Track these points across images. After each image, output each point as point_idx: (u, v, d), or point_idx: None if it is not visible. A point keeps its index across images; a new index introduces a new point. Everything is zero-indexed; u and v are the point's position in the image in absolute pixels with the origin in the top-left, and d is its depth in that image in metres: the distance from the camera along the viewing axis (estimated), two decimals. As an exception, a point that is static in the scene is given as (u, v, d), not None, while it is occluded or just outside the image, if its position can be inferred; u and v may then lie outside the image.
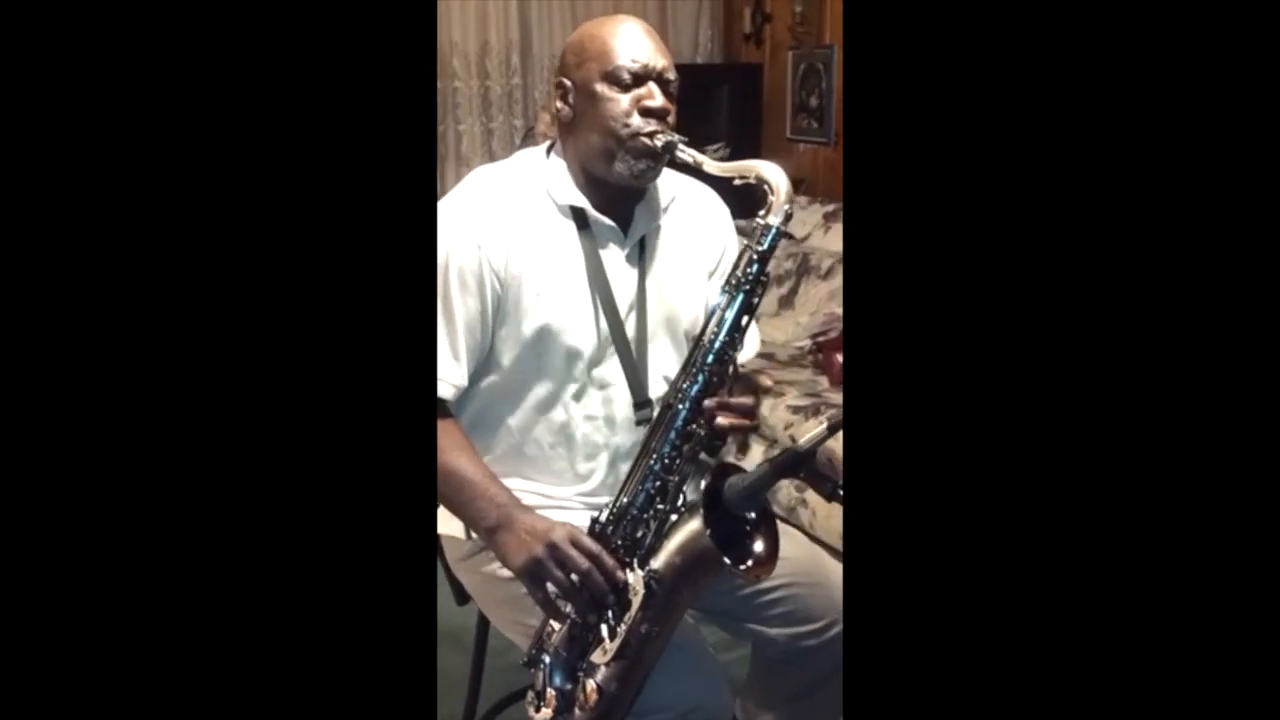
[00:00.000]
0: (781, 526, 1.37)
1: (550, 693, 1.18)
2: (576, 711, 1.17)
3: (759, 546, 1.13)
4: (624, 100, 1.22)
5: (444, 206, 1.29)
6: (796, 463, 1.05)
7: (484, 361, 1.31)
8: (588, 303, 1.28)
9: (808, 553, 1.38)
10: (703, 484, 1.15)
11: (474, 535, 1.31)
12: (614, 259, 1.30)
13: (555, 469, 1.34)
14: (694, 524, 1.11)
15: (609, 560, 1.14)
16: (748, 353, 1.44)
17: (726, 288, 1.18)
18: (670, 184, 1.36)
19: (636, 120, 1.22)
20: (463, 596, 1.50)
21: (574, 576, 1.14)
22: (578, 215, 1.29)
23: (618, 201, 1.30)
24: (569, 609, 1.17)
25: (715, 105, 3.95)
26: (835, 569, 1.35)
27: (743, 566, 1.12)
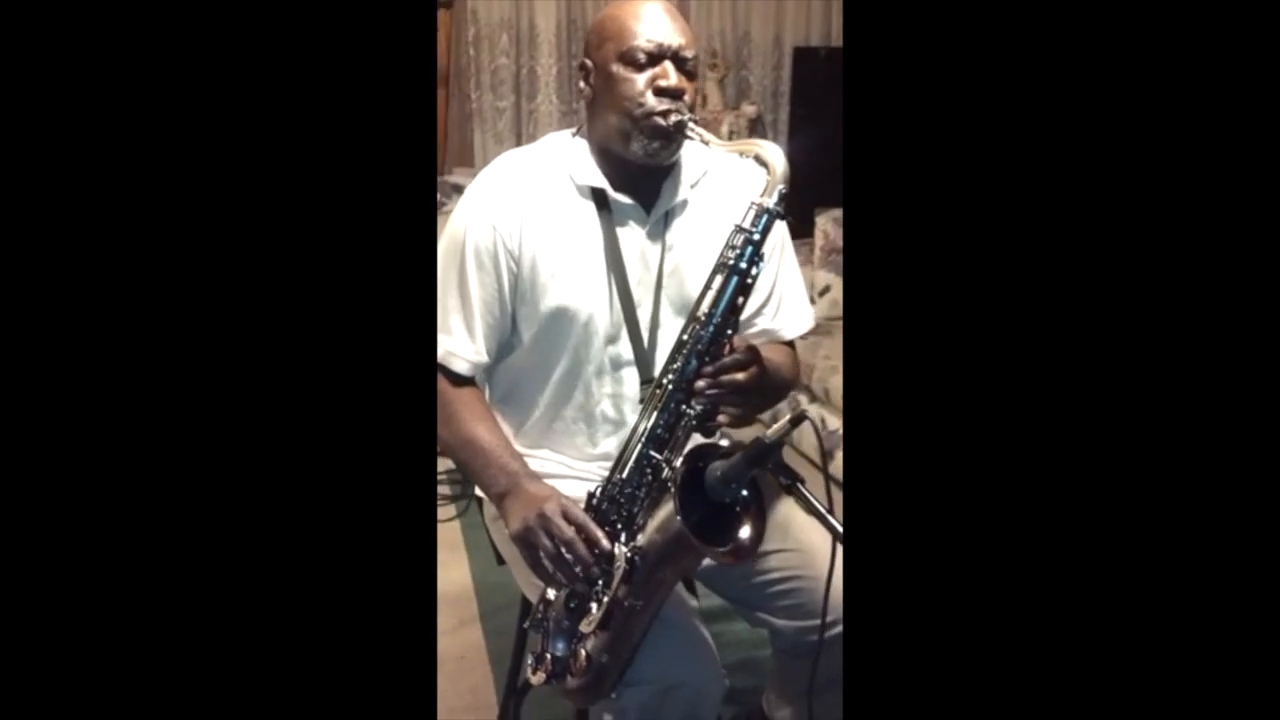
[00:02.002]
0: (803, 515, 1.34)
1: (548, 658, 1.22)
2: (569, 678, 1.20)
3: (744, 531, 1.12)
4: (639, 80, 1.23)
5: (467, 190, 1.34)
6: (765, 453, 1.04)
7: (508, 340, 1.35)
8: (603, 282, 1.29)
9: (823, 544, 1.34)
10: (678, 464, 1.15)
11: None
12: (634, 236, 1.31)
13: (578, 443, 1.38)
14: (672, 504, 1.11)
15: (596, 531, 1.16)
16: (799, 328, 1.42)
17: (720, 268, 1.17)
18: (703, 158, 1.34)
19: (650, 100, 1.22)
20: (502, 557, 1.55)
21: (561, 545, 1.16)
22: (597, 195, 1.30)
23: (641, 178, 1.31)
24: (559, 576, 1.19)
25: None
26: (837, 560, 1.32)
27: (720, 550, 1.10)
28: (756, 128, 3.78)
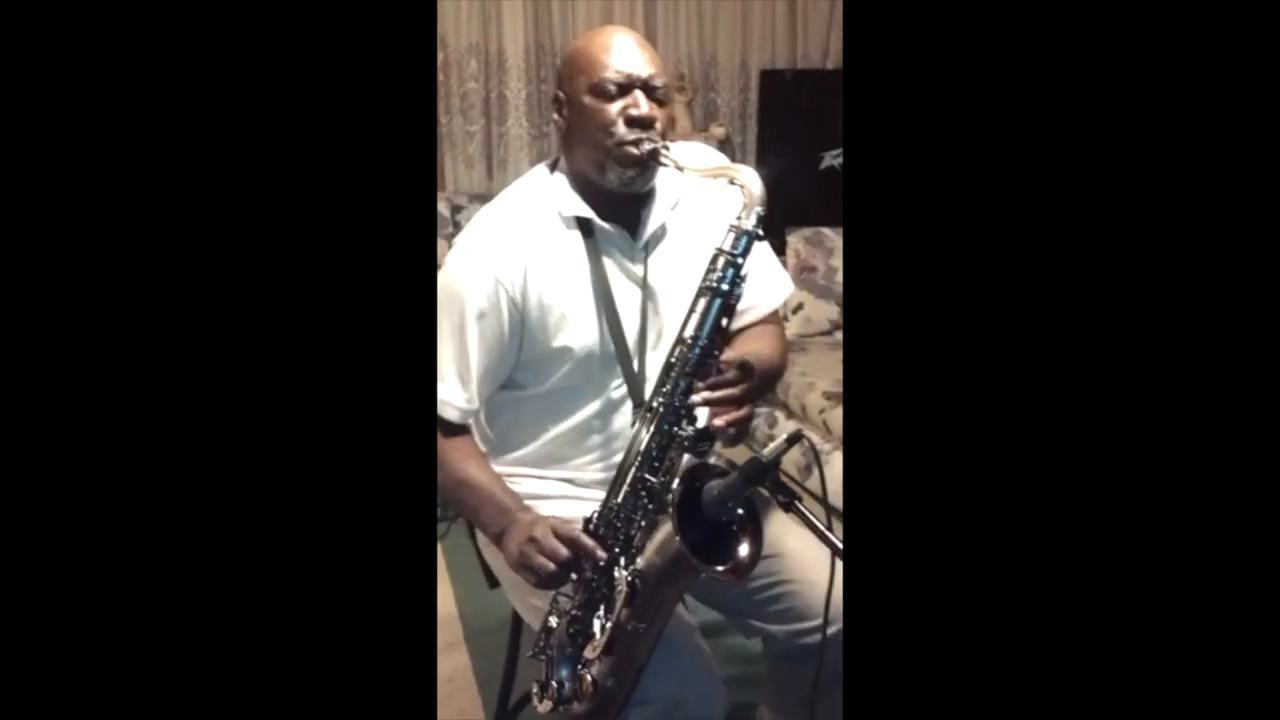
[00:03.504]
0: (788, 521, 1.37)
1: (553, 685, 1.23)
2: (575, 704, 1.21)
3: (743, 548, 1.14)
4: (611, 110, 1.25)
5: (459, 241, 1.35)
6: (762, 472, 1.06)
7: (510, 373, 1.37)
8: (592, 311, 1.32)
9: (811, 549, 1.36)
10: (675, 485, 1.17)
11: None
12: (620, 264, 1.34)
13: (577, 466, 1.41)
14: (670, 525, 1.13)
15: (586, 541, 1.19)
16: (778, 296, 1.45)
17: (703, 291, 1.20)
18: (678, 183, 1.37)
19: (621, 129, 1.25)
20: (494, 580, 1.57)
21: (555, 562, 1.19)
22: (583, 224, 1.32)
23: (624, 205, 1.33)
24: (564, 600, 1.22)
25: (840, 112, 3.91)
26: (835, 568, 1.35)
27: (720, 568, 1.12)
28: (725, 149, 3.82)
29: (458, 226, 3.53)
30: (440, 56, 3.67)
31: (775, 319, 1.47)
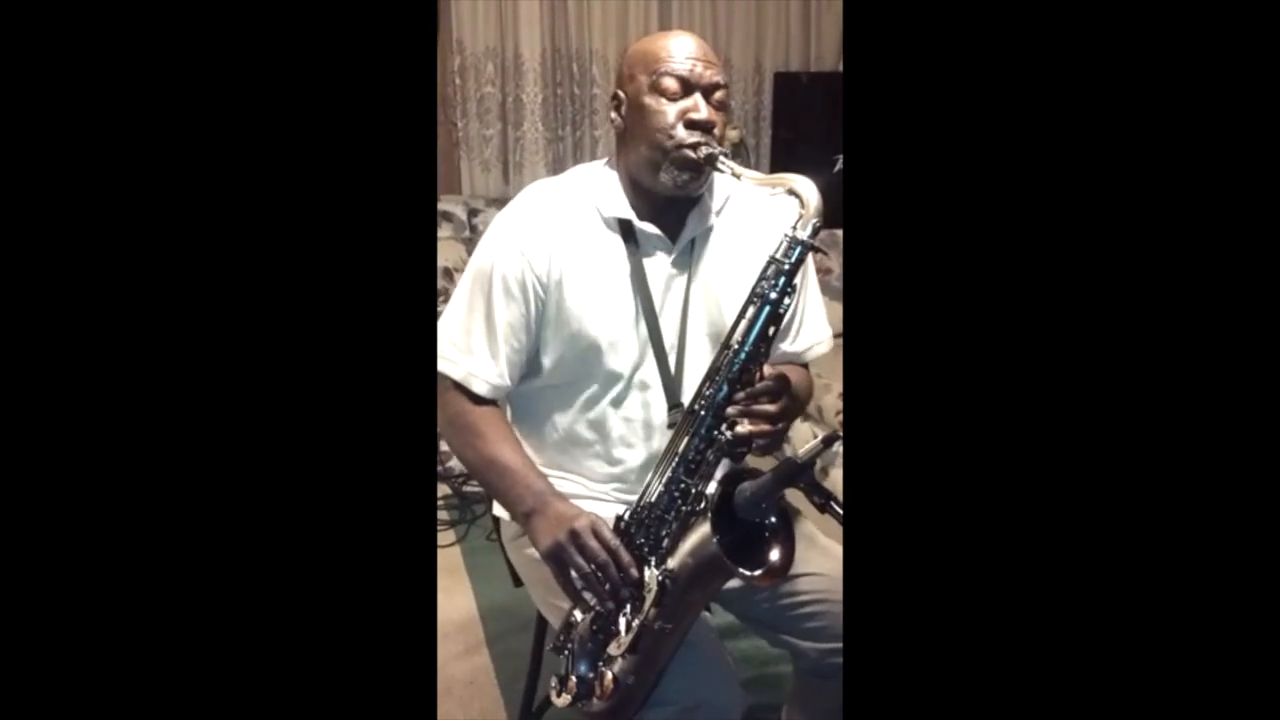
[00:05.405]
0: (824, 539, 1.38)
1: (572, 680, 1.24)
2: (594, 700, 1.22)
3: (774, 554, 1.15)
4: (670, 112, 1.26)
5: (496, 218, 1.38)
6: (796, 473, 1.07)
7: (530, 363, 1.38)
8: (629, 310, 1.33)
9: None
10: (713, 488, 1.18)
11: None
12: (660, 266, 1.35)
13: (594, 464, 1.41)
14: (706, 528, 1.14)
15: (626, 555, 1.20)
16: (819, 350, 1.48)
17: (753, 298, 1.20)
18: (724, 187, 1.38)
19: (681, 132, 1.26)
20: (519, 579, 1.58)
21: (592, 565, 1.20)
22: (624, 226, 1.34)
23: (668, 208, 1.34)
24: (590, 597, 1.22)
25: (852, 115, 3.92)
26: None
27: (754, 573, 1.14)
28: (739, 151, 3.84)
29: (474, 230, 3.54)
30: (457, 60, 3.69)
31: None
